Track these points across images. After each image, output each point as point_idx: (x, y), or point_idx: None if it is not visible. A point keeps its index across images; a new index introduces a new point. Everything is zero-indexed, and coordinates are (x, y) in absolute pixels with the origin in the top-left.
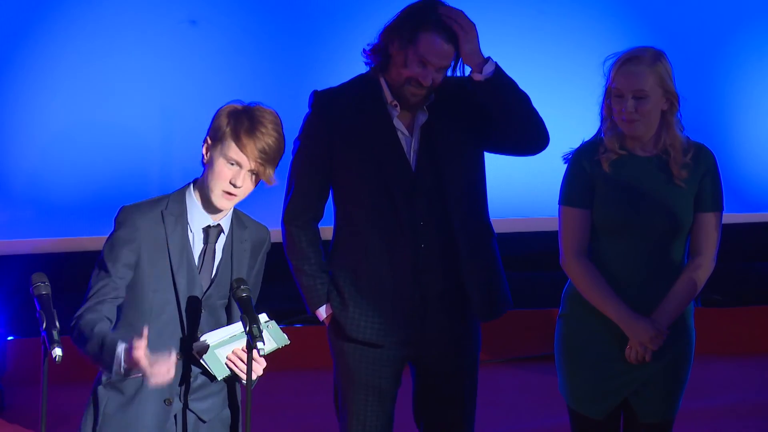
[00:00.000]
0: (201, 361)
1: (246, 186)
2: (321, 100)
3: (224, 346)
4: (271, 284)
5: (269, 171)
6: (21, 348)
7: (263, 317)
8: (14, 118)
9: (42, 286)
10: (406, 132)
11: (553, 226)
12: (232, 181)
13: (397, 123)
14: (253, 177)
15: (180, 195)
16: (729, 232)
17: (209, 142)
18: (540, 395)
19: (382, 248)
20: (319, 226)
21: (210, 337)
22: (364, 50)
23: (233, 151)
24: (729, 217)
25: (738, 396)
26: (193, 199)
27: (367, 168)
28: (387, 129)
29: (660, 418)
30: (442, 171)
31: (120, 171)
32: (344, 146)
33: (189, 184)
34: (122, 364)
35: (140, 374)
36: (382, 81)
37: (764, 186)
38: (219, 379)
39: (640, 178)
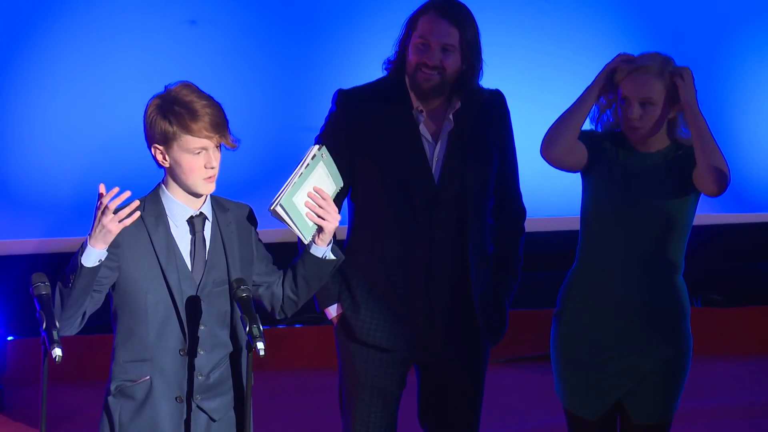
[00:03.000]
0: (287, 220)
1: (217, 162)
2: (346, 99)
3: (299, 192)
4: None
5: (228, 136)
6: (21, 348)
7: (315, 148)
8: (14, 119)
9: (42, 286)
10: (431, 139)
11: (553, 226)
12: (207, 165)
13: (423, 129)
14: (219, 148)
15: (154, 195)
16: (729, 232)
17: (160, 147)
18: (540, 395)
19: (398, 253)
20: None
21: (282, 192)
22: (385, 61)
23: (193, 141)
24: (729, 217)
25: (738, 396)
26: (168, 196)
27: (389, 172)
28: (412, 134)
29: (655, 419)
30: (467, 180)
31: (120, 171)
32: (367, 148)
33: (158, 185)
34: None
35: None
36: (408, 85)
37: (764, 186)
38: (307, 239)
39: (638, 175)
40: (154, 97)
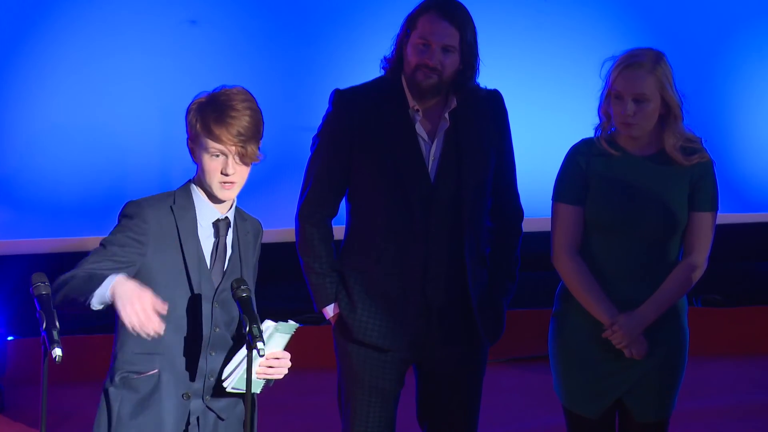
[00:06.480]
0: (235, 390)
1: (239, 171)
2: (343, 99)
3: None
4: (273, 284)
5: (252, 149)
6: (21, 348)
7: (272, 327)
8: (14, 119)
9: (42, 286)
10: (427, 138)
11: None
12: (223, 171)
13: (419, 128)
14: (242, 159)
15: (185, 191)
16: (729, 232)
17: (190, 142)
18: (540, 395)
19: (394, 253)
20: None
21: (229, 374)
22: (382, 59)
23: (211, 144)
24: (729, 217)
25: (738, 396)
26: (198, 194)
27: (386, 172)
28: (408, 134)
29: (655, 417)
30: (462, 179)
31: (120, 171)
32: (364, 148)
33: (189, 181)
34: (109, 295)
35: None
36: (405, 85)
37: (764, 186)
38: (258, 392)
39: (636, 177)
40: (204, 93)
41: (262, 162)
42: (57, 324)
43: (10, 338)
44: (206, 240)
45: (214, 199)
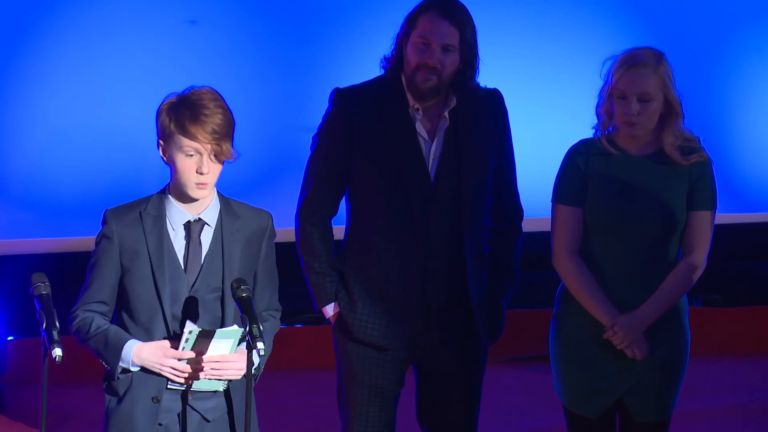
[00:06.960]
0: (199, 389)
1: (213, 169)
2: (343, 99)
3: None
4: None
5: (227, 147)
6: (21, 348)
7: (186, 332)
8: (14, 118)
9: (42, 286)
10: (427, 137)
11: None
12: (198, 170)
13: (419, 127)
14: (215, 158)
15: (160, 195)
16: (729, 232)
17: (162, 143)
18: (540, 395)
19: (394, 252)
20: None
21: None
22: (382, 59)
23: (186, 143)
24: (729, 217)
25: (738, 396)
26: (169, 198)
27: (385, 171)
28: (408, 133)
29: (655, 417)
30: (462, 178)
31: (120, 171)
32: (364, 147)
33: (166, 184)
34: (133, 366)
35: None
36: (405, 84)
37: (764, 186)
38: (221, 390)
39: (635, 177)
40: (174, 93)
41: (262, 162)
42: (57, 324)
43: (10, 338)
44: (179, 241)
45: (186, 200)
